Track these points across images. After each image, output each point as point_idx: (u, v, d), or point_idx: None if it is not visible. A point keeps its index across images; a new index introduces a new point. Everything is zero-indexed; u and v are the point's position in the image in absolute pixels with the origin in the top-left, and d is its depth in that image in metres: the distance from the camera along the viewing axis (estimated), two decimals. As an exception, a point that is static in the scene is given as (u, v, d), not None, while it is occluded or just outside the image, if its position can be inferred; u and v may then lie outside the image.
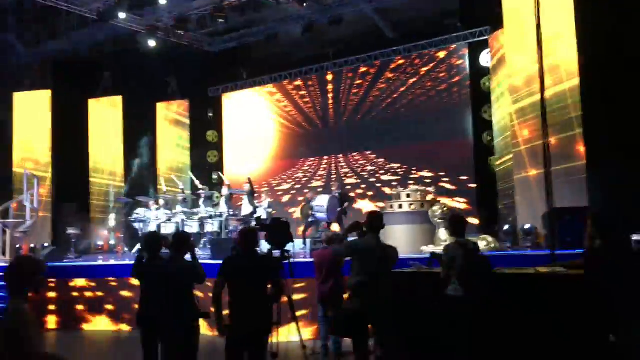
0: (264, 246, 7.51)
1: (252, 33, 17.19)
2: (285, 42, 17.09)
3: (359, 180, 16.44)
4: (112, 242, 16.03)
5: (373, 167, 16.27)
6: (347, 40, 16.57)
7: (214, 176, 18.01)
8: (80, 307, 11.09)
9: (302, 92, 17.57)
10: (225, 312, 4.99)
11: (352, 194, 16.22)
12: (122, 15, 14.73)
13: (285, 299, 5.43)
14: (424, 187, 10.87)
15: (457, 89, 15.31)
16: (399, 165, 15.88)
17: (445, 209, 9.65)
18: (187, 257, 5.36)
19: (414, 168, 15.57)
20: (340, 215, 12.95)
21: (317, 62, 17.10)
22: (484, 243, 9.11)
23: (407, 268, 6.34)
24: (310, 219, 13.26)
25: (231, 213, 12.31)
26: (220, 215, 12.36)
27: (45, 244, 15.89)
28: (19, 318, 2.99)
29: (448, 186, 15.03)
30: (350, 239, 6.28)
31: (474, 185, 14.75)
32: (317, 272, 7.50)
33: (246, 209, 12.76)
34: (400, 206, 10.41)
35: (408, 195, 10.45)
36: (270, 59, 17.86)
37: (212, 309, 5.00)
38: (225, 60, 18.05)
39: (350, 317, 5.32)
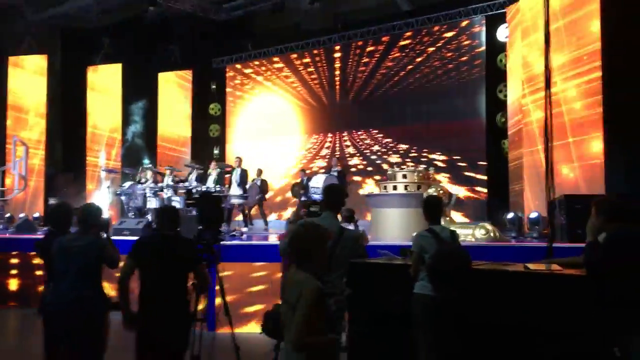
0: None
1: (259, 1, 16.15)
2: (293, 13, 16.00)
3: (364, 161, 15.34)
4: (104, 215, 15.16)
5: (379, 147, 15.13)
6: (357, 12, 15.40)
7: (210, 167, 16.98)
8: None
9: (309, 66, 16.47)
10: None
11: (356, 177, 15.21)
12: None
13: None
14: (422, 167, 9.70)
15: (471, 66, 14.06)
16: (407, 145, 14.72)
17: (441, 191, 8.51)
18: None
19: (425, 150, 14.40)
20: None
21: (325, 34, 15.96)
22: (482, 232, 7.99)
23: (375, 258, 5.31)
24: (303, 199, 12.26)
25: (218, 188, 11.30)
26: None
27: (36, 215, 15.16)
28: None
29: (458, 169, 13.88)
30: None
31: (485, 169, 13.54)
32: (282, 258, 6.49)
33: (234, 189, 11.78)
34: (395, 187, 9.29)
35: (404, 176, 9.31)
36: (276, 30, 16.75)
37: (117, 296, 4.02)
38: (230, 30, 16.99)
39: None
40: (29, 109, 15.81)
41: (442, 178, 13.76)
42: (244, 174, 11.90)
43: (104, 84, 16.77)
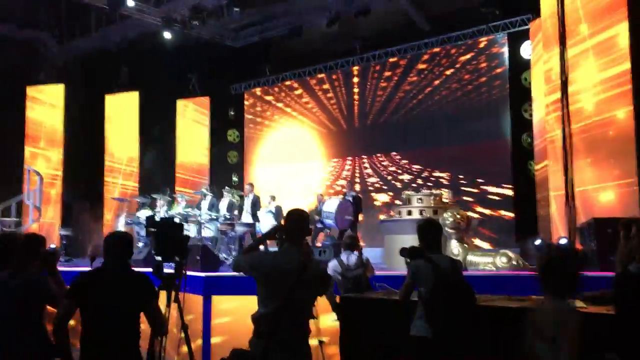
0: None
1: (275, 26, 15.81)
2: (311, 36, 15.59)
3: (384, 186, 14.67)
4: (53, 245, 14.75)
5: (400, 170, 14.47)
6: (374, 33, 14.92)
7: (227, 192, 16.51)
8: None
9: (327, 90, 15.98)
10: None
11: (377, 202, 14.56)
12: (130, 3, 13.57)
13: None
14: (439, 191, 9.01)
15: (494, 84, 13.39)
16: (429, 169, 14.03)
17: (458, 216, 7.80)
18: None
19: (445, 173, 13.69)
20: (353, 223, 11.29)
21: (342, 57, 15.49)
22: (503, 260, 7.25)
23: (373, 292, 4.65)
24: (318, 225, 11.66)
25: (227, 216, 10.77)
26: (217, 219, 10.82)
27: (52, 246, 14.84)
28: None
29: (481, 192, 13.13)
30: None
31: (511, 193, 12.75)
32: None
33: (246, 217, 11.24)
34: (410, 212, 8.63)
35: (420, 200, 8.64)
36: (294, 54, 16.35)
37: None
38: (247, 56, 16.67)
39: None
40: (46, 139, 15.63)
41: (463, 202, 13.03)
42: (256, 201, 11.36)
43: (122, 112, 16.55)
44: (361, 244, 11.26)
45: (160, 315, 3.53)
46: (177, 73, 16.62)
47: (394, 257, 8.72)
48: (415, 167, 14.26)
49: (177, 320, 3.95)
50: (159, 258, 3.90)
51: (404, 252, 3.99)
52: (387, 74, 14.91)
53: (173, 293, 3.84)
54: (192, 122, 16.92)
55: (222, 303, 6.74)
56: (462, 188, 13.33)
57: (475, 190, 13.22)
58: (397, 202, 13.77)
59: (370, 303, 4.22)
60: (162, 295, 3.82)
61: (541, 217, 11.24)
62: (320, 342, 5.68)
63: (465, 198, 13.21)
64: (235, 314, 6.97)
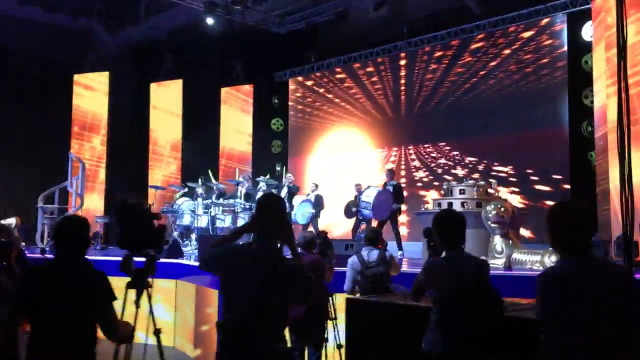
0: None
1: (321, 11, 15.17)
2: (357, 21, 14.86)
3: (430, 176, 13.83)
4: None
5: (447, 161, 13.57)
6: (423, 16, 14.05)
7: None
8: None
9: (373, 76, 15.21)
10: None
11: (422, 192, 13.74)
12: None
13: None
14: (484, 182, 8.16)
15: (552, 69, 12.31)
16: (477, 159, 13.09)
17: (502, 208, 6.96)
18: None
19: (496, 163, 12.73)
20: (393, 214, 10.56)
21: (389, 42, 14.68)
22: (552, 259, 6.38)
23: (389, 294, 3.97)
24: (359, 216, 11.01)
25: (247, 206, 10.24)
26: (249, 209, 10.29)
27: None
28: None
29: (537, 186, 12.12)
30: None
31: (567, 186, 11.70)
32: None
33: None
34: (451, 204, 7.83)
35: (462, 192, 7.84)
36: (340, 39, 15.65)
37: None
38: (293, 43, 16.07)
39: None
40: (91, 127, 15.55)
41: (512, 195, 12.08)
42: (293, 190, 10.79)
43: (166, 100, 16.32)
44: (401, 237, 10.66)
45: (113, 321, 2.96)
46: (222, 61, 16.23)
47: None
48: (462, 156, 13.34)
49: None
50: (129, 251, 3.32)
51: (427, 232, 3.43)
52: (437, 54, 13.98)
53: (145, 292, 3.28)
54: (236, 110, 16.51)
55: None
56: (512, 179, 12.37)
57: (527, 182, 12.22)
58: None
59: (377, 307, 3.54)
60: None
61: (600, 213, 10.19)
62: (339, 347, 5.05)
63: (514, 189, 12.27)
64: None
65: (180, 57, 16.18)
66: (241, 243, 2.88)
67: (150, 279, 3.27)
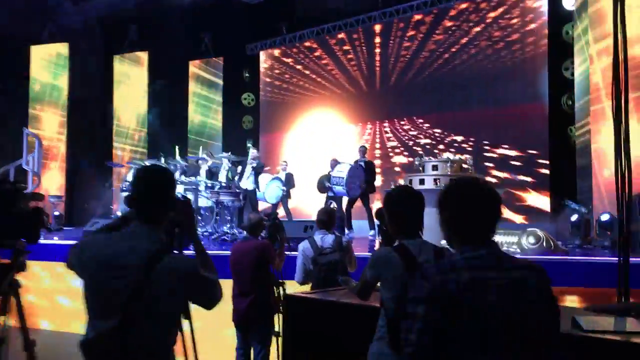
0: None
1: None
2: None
3: (405, 152, 13.14)
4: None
5: (422, 135, 12.87)
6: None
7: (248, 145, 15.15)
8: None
9: (347, 51, 14.38)
10: None
11: (398, 170, 13.07)
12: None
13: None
14: (459, 156, 7.48)
15: (529, 40, 11.63)
16: (453, 135, 12.42)
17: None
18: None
19: (472, 138, 12.08)
20: (364, 191, 9.86)
21: (363, 12, 13.85)
22: (530, 240, 5.74)
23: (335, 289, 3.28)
24: (329, 194, 10.29)
25: (223, 184, 9.45)
26: (213, 187, 9.50)
27: (56, 213, 13.91)
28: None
29: (514, 162, 11.52)
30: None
31: (546, 162, 11.11)
32: (233, 277, 4.54)
33: (246, 183, 9.93)
34: (422, 182, 7.15)
35: (435, 167, 7.16)
36: (312, 11, 14.79)
37: None
38: (264, 14, 15.16)
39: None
40: (51, 102, 14.58)
41: (488, 169, 11.48)
42: (259, 167, 10.03)
43: (130, 74, 15.37)
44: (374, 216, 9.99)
45: None
46: (190, 33, 15.27)
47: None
48: (438, 131, 12.68)
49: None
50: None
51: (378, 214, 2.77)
52: (413, 25, 13.22)
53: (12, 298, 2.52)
54: (205, 84, 15.62)
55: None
56: (487, 154, 11.76)
57: (505, 157, 11.61)
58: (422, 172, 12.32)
59: (317, 305, 2.83)
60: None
61: (581, 190, 9.62)
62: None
63: (489, 165, 11.67)
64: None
65: (147, 29, 15.22)
66: (118, 233, 2.10)
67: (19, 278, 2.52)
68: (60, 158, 14.42)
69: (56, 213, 13.88)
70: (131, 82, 15.30)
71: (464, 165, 7.23)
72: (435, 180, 7.01)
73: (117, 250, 1.95)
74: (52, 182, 14.19)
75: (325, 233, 4.44)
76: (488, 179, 9.63)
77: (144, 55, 15.21)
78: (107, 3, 16.17)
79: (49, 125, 14.44)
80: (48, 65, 14.62)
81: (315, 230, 4.59)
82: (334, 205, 10.47)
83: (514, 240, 5.99)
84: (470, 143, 12.10)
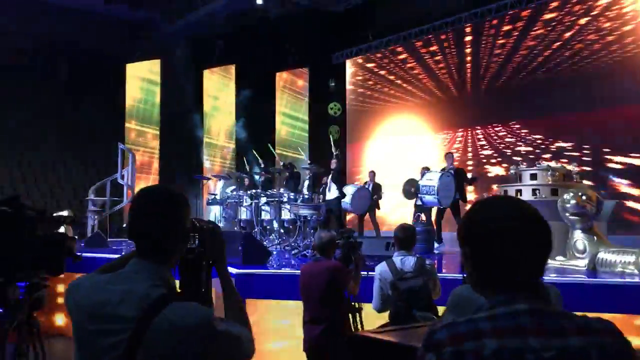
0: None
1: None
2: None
3: (499, 158, 12.21)
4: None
5: (527, 147, 11.82)
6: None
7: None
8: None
9: (436, 54, 13.65)
10: None
11: (493, 181, 12.19)
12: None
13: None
14: (561, 164, 6.64)
15: (635, 38, 10.40)
16: (550, 140, 11.36)
17: (583, 197, 5.44)
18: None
19: (571, 144, 10.98)
20: (455, 201, 9.14)
21: (453, 15, 13.09)
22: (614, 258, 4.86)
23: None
24: (416, 202, 9.67)
25: (306, 196, 9.03)
26: (280, 198, 9.10)
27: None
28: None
29: (614, 166, 10.34)
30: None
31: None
32: (303, 302, 4.07)
33: (332, 192, 9.48)
34: (519, 192, 6.37)
35: (533, 177, 6.37)
36: (398, 15, 14.21)
37: None
38: (348, 22, 14.81)
39: None
40: (145, 117, 14.93)
41: (596, 178, 10.31)
42: (337, 176, 9.54)
43: (219, 87, 15.47)
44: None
45: None
46: (276, 45, 15.17)
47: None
48: (539, 137, 11.64)
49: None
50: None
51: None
52: (506, 26, 12.30)
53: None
54: (292, 94, 15.41)
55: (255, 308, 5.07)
56: (586, 158, 10.59)
57: (614, 165, 10.43)
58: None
59: (387, 349, 2.28)
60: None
61: None
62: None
63: (594, 172, 10.49)
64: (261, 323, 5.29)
65: (234, 42, 15.28)
66: (114, 273, 1.65)
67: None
68: (153, 172, 14.69)
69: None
70: (220, 95, 15.39)
71: (573, 173, 6.36)
72: (534, 190, 6.23)
73: (108, 296, 1.49)
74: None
75: (405, 254, 3.87)
76: (601, 190, 8.57)
77: (231, 69, 15.26)
78: (198, 20, 16.49)
79: (143, 140, 14.76)
80: (142, 82, 14.99)
81: (394, 250, 4.03)
82: (422, 217, 9.82)
83: (630, 260, 5.13)
84: (569, 148, 11.00)
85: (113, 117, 14.82)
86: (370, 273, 4.28)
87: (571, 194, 5.47)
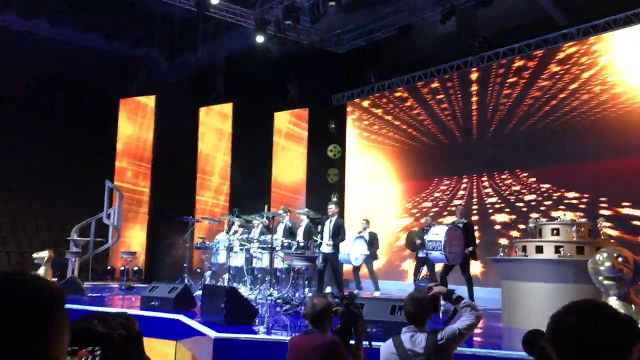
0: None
1: (381, 27, 13.37)
2: (421, 36, 12.92)
3: (506, 208, 11.45)
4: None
5: (532, 195, 11.10)
6: (497, 30, 11.89)
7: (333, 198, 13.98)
8: None
9: (441, 97, 13.05)
10: None
11: (500, 236, 11.43)
12: (214, 1, 11.85)
13: None
14: (586, 219, 5.86)
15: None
16: (564, 190, 10.63)
17: (619, 258, 4.64)
18: None
19: (586, 195, 10.24)
20: (465, 257, 8.38)
21: (459, 57, 12.56)
22: None
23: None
24: (419, 254, 8.93)
25: (302, 244, 8.23)
26: (288, 247, 8.34)
27: (135, 268, 13.34)
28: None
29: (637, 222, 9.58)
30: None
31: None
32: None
33: (325, 246, 8.69)
34: (540, 249, 5.59)
35: (555, 232, 5.59)
36: (402, 58, 13.73)
37: None
38: (350, 62, 14.30)
39: None
40: (137, 154, 14.21)
41: (625, 238, 9.51)
42: (339, 225, 8.72)
43: (216, 125, 14.82)
44: (473, 283, 8.39)
45: None
46: (276, 84, 14.61)
47: (514, 313, 5.76)
48: (546, 186, 10.91)
49: None
50: None
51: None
52: (515, 68, 11.73)
53: None
54: (290, 136, 14.75)
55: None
56: (603, 211, 9.79)
57: (626, 220, 9.65)
58: (521, 226, 10.54)
59: None
60: None
61: None
62: None
63: (604, 223, 9.67)
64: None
65: (233, 80, 14.75)
66: None
67: None
68: (142, 211, 13.89)
69: (135, 268, 13.29)
70: (216, 133, 14.73)
71: (601, 229, 5.58)
72: (557, 248, 5.44)
73: None
74: (136, 235, 13.65)
75: (416, 331, 3.07)
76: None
77: (229, 107, 14.64)
78: (198, 58, 16.04)
79: (134, 177, 14.02)
80: (134, 117, 14.35)
81: (400, 315, 3.23)
82: (424, 271, 9.04)
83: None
84: (583, 200, 10.26)
85: (103, 153, 14.12)
86: (373, 343, 3.45)
87: (605, 255, 4.67)
